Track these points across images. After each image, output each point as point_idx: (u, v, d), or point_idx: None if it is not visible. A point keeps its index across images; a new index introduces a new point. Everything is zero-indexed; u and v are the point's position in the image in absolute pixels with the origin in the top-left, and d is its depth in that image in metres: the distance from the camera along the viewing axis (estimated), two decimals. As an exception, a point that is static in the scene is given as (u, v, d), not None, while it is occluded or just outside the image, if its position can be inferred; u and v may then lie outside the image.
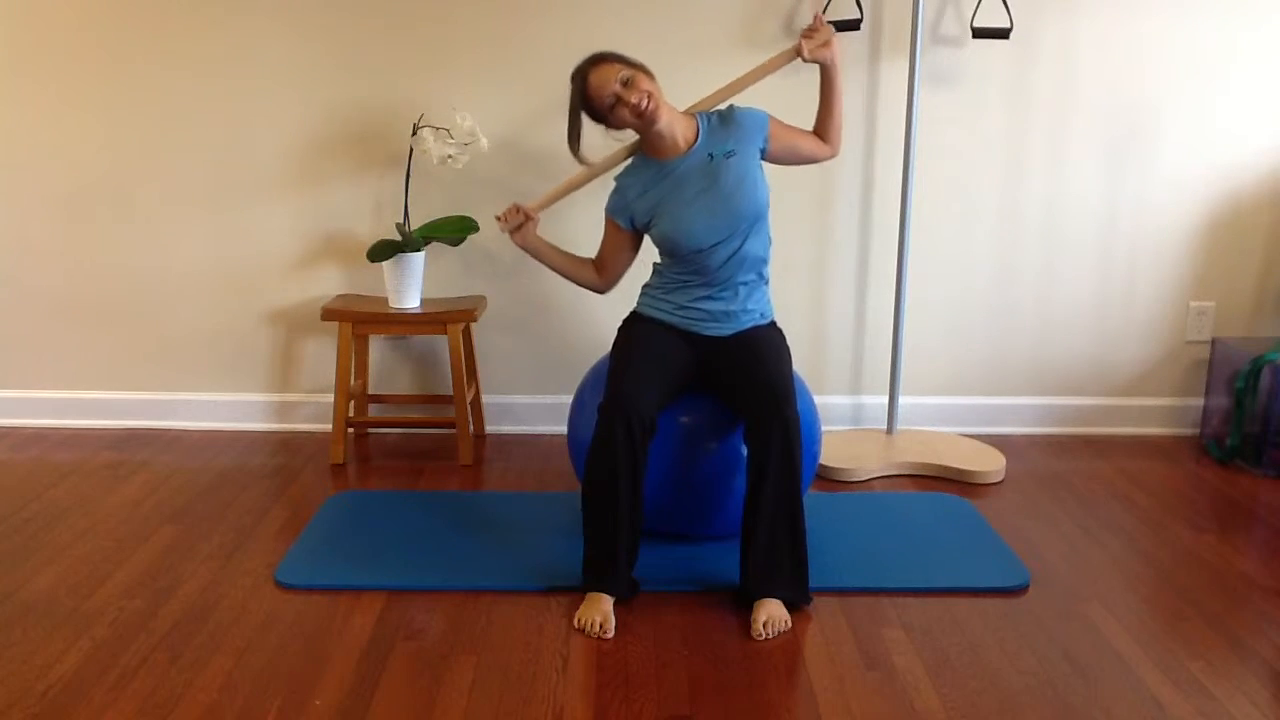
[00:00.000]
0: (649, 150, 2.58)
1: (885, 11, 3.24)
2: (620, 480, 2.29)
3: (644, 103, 2.43)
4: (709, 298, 2.55)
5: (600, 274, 2.72)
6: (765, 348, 2.50)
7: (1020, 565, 2.54)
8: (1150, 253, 3.43)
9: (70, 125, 3.32)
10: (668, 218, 2.52)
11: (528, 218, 2.63)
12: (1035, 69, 3.29)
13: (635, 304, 2.67)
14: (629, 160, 2.64)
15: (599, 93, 2.46)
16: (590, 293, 3.11)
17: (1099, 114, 3.33)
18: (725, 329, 2.55)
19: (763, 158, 2.60)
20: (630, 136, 2.59)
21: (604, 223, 2.68)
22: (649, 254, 2.66)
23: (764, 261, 2.59)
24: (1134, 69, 3.30)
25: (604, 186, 2.68)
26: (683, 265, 2.55)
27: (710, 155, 2.53)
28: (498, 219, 2.65)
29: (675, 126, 2.53)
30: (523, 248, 2.68)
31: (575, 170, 2.67)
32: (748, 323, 2.57)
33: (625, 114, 2.46)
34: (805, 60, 2.60)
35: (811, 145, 2.69)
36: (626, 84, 2.45)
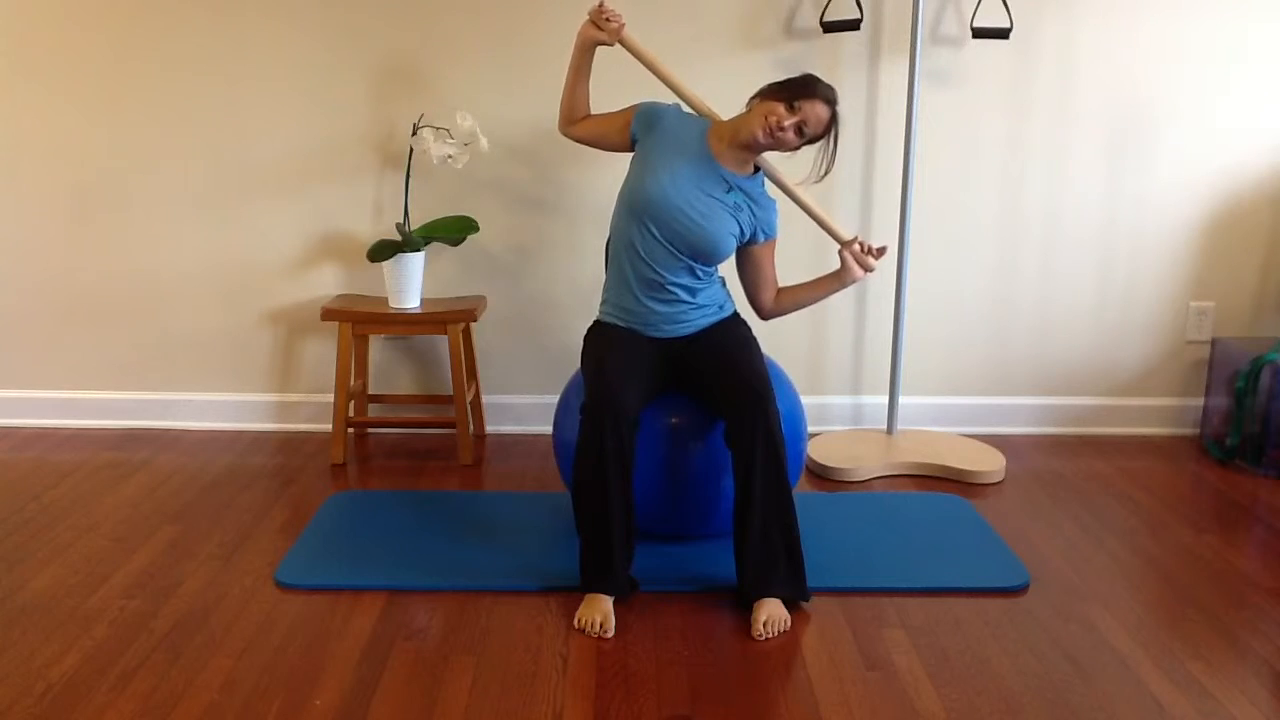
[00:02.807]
0: (715, 132, 2.55)
1: (885, 11, 3.24)
2: (610, 478, 2.28)
3: (779, 135, 2.42)
4: (656, 299, 2.53)
5: (580, 119, 2.71)
6: (734, 344, 2.50)
7: (1020, 565, 2.54)
8: (1150, 253, 3.43)
9: (70, 125, 3.32)
10: (655, 173, 2.49)
11: (614, 33, 2.60)
12: (1035, 69, 3.29)
13: (597, 313, 2.66)
14: (699, 116, 2.62)
15: (805, 101, 2.43)
16: (589, 291, 3.11)
17: (1099, 114, 3.33)
18: (682, 328, 2.55)
19: (740, 243, 2.57)
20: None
21: (627, 108, 2.64)
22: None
23: (701, 273, 2.54)
24: (1134, 69, 3.30)
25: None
26: (623, 258, 2.54)
27: (730, 189, 2.52)
28: (603, 3, 2.60)
29: (751, 159, 2.55)
30: (580, 37, 2.63)
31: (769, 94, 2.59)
32: (703, 318, 2.56)
33: (775, 115, 2.41)
34: (839, 253, 2.60)
35: (765, 290, 2.66)
36: (802, 129, 2.44)
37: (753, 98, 2.53)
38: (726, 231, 2.50)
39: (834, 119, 2.48)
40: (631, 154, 2.63)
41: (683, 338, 2.55)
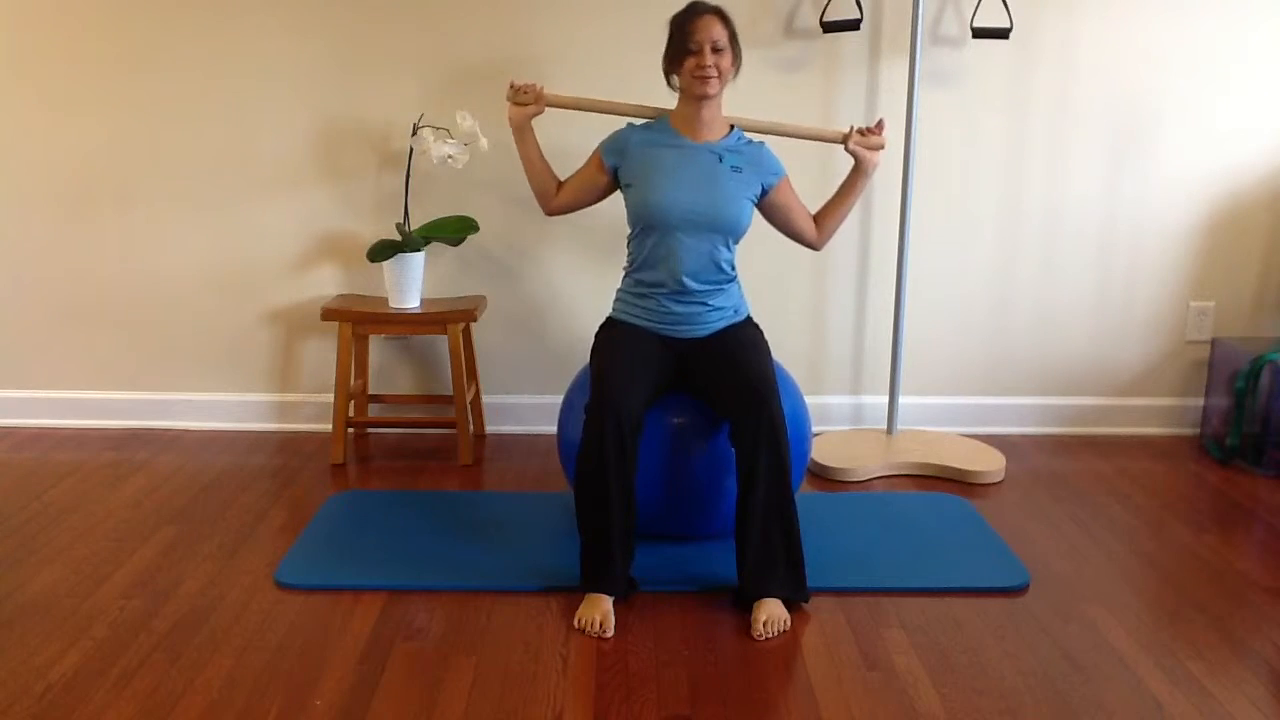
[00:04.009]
0: (676, 119, 2.60)
1: (885, 11, 3.24)
2: (611, 479, 2.29)
3: (712, 71, 2.48)
4: (676, 300, 2.54)
5: (557, 193, 2.73)
6: (743, 346, 2.50)
7: (1020, 565, 2.54)
8: (1150, 253, 3.43)
9: (70, 125, 3.32)
10: (652, 183, 2.52)
11: (539, 99, 2.66)
12: (1035, 69, 3.29)
13: (611, 309, 2.67)
14: (651, 120, 2.66)
15: (696, 34, 2.49)
16: (589, 291, 3.09)
17: (1099, 114, 3.33)
18: (698, 330, 2.55)
19: (757, 200, 2.61)
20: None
21: (591, 155, 2.68)
22: (622, 253, 2.65)
23: (726, 279, 2.58)
24: (1134, 69, 3.30)
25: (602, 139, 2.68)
26: (647, 265, 2.55)
27: (720, 157, 2.55)
28: (512, 84, 2.66)
29: (716, 116, 2.58)
30: (512, 120, 2.69)
31: (672, 89, 2.64)
32: (719, 321, 2.57)
33: (692, 65, 2.49)
34: (847, 150, 2.65)
35: (803, 224, 2.71)
36: (716, 50, 2.49)
37: (668, 75, 2.59)
38: (741, 198, 2.55)
39: (724, 17, 2.53)
40: (619, 190, 2.65)
41: (696, 339, 2.55)
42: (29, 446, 3.35)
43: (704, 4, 2.56)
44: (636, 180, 2.57)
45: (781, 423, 2.31)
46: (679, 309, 2.55)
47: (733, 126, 2.63)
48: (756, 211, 2.65)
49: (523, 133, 2.70)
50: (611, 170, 2.64)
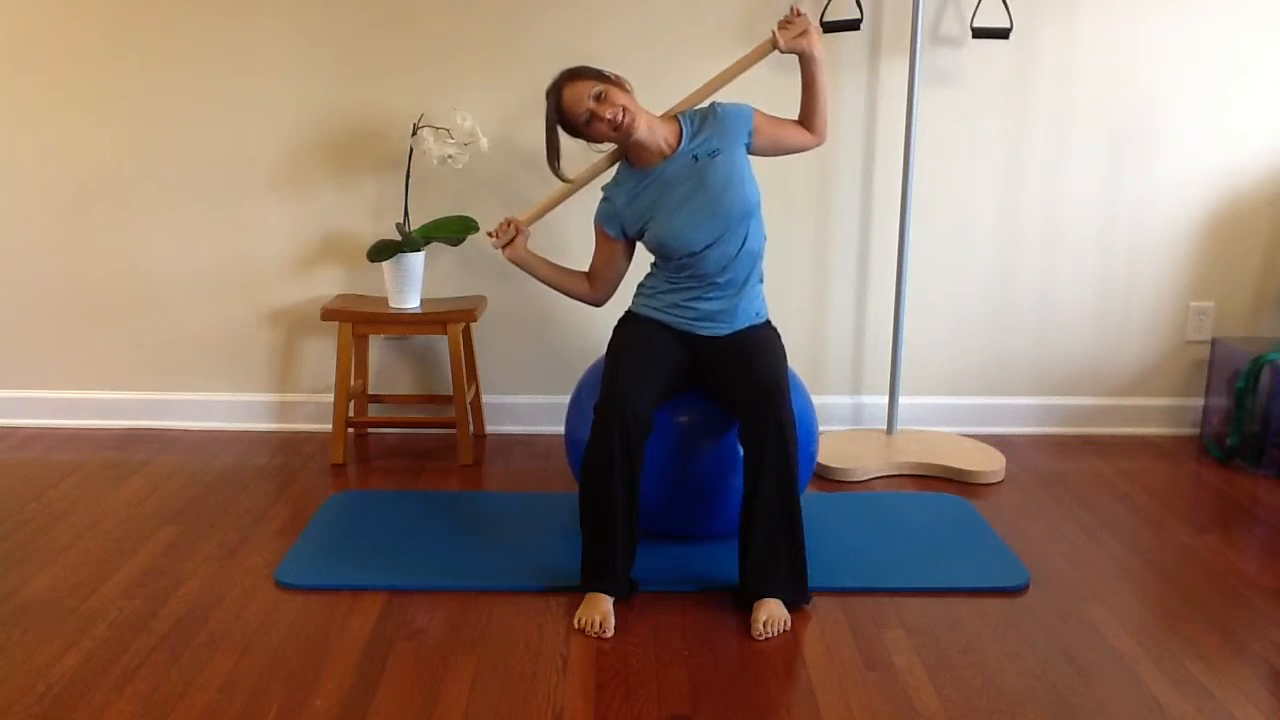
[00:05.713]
0: (633, 158, 2.57)
1: (885, 11, 3.24)
2: (616, 479, 2.29)
3: (619, 117, 2.42)
4: (703, 298, 2.54)
5: (592, 285, 2.70)
6: (759, 347, 2.50)
7: (1020, 565, 2.54)
8: (1150, 253, 3.43)
9: (70, 125, 3.32)
10: (658, 224, 2.51)
11: (518, 231, 2.63)
12: (1035, 69, 3.29)
13: (630, 303, 2.67)
14: (614, 168, 2.63)
15: (573, 109, 2.46)
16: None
17: (1099, 114, 3.33)
18: (720, 329, 2.55)
19: (749, 152, 2.58)
20: (611, 145, 2.58)
21: (595, 233, 2.65)
22: (645, 254, 2.65)
23: (758, 258, 2.58)
24: (1134, 69, 3.30)
25: (596, 195, 2.66)
26: (677, 268, 2.55)
27: (695, 157, 2.51)
28: (489, 234, 2.65)
29: (656, 133, 2.51)
30: (513, 261, 2.66)
31: (563, 181, 2.65)
32: (742, 322, 2.56)
33: (602, 129, 2.46)
34: (782, 51, 2.56)
35: (798, 136, 2.64)
36: (600, 99, 2.44)
37: (554, 165, 2.57)
38: (736, 175, 2.50)
39: (575, 74, 2.48)
40: (637, 242, 2.63)
41: (714, 338, 2.55)
42: (29, 446, 3.35)
43: (553, 86, 2.51)
44: (643, 226, 2.55)
45: (791, 425, 2.31)
46: (707, 307, 2.53)
47: (677, 118, 2.57)
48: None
49: (527, 264, 2.66)
50: (619, 234, 2.61)
